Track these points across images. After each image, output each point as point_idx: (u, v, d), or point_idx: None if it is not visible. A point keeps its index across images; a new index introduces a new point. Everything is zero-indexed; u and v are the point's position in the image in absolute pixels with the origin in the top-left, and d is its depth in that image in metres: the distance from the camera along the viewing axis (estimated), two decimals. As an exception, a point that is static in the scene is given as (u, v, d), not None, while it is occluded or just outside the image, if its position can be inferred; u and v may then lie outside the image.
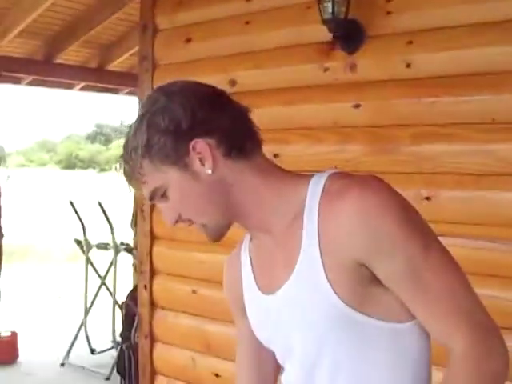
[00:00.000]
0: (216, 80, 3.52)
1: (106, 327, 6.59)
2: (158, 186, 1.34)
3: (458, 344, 1.21)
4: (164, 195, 1.35)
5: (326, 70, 3.10)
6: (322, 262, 1.27)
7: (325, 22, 2.88)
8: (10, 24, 6.02)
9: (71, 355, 6.50)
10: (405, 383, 1.32)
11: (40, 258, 15.07)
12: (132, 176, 1.36)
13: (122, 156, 1.36)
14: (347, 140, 3.07)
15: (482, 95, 2.68)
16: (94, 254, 7.06)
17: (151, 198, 1.37)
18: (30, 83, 7.24)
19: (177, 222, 1.38)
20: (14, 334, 6.67)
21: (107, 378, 5.94)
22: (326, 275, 1.26)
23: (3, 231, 6.67)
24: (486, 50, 2.66)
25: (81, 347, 6.52)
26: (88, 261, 6.89)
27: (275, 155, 3.32)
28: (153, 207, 3.84)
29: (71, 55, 6.92)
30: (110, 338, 6.33)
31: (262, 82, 3.38)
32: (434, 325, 1.25)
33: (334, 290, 1.26)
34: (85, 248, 6.86)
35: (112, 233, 6.61)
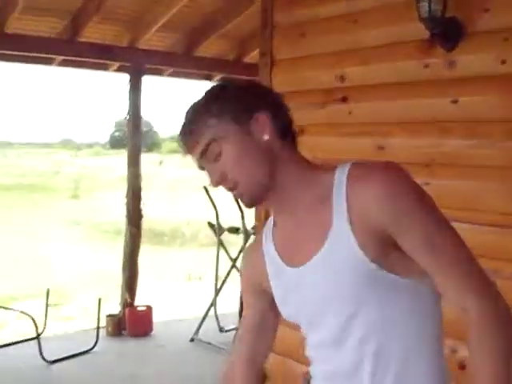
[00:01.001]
0: (327, 75, 3.73)
1: (235, 307, 6.92)
2: (217, 137, 1.52)
3: (472, 304, 1.39)
4: (219, 155, 1.53)
5: (426, 66, 3.19)
6: (353, 230, 1.46)
7: (422, 20, 2.98)
8: (152, 19, 6.42)
9: (201, 332, 6.84)
10: (426, 336, 1.52)
11: (187, 240, 15.74)
12: (195, 131, 1.54)
13: (186, 116, 1.56)
14: (445, 134, 3.15)
15: None
16: (229, 237, 7.40)
17: (202, 154, 1.54)
18: (171, 74, 7.64)
19: (219, 183, 1.56)
20: (149, 308, 7.09)
21: (231, 355, 6.24)
22: (356, 240, 1.45)
23: (143, 213, 7.15)
24: None
25: (210, 325, 6.85)
26: (220, 243, 7.23)
27: (380, 147, 3.46)
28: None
29: (209, 48, 7.27)
30: (238, 317, 6.61)
31: (368, 77, 3.51)
32: (450, 287, 1.43)
33: (363, 252, 1.45)
34: (217, 231, 7.20)
35: (242, 218, 6.87)
